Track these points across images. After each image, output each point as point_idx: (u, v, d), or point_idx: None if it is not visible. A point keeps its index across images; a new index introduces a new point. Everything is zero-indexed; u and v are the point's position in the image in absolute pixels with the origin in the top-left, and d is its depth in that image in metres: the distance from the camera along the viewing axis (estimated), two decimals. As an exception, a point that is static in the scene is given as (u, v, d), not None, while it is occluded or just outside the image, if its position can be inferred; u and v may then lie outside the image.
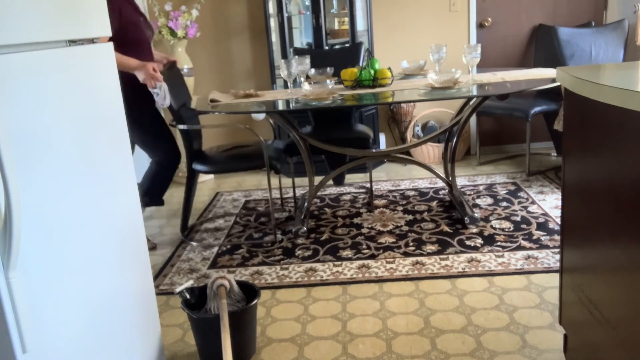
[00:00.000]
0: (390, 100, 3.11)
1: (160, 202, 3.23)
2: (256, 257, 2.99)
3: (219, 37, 4.58)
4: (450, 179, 3.39)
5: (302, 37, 4.59)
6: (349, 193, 3.95)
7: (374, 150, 3.63)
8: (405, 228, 3.22)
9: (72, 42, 1.51)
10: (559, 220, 3.11)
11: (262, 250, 3.07)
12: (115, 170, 1.72)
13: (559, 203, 2.94)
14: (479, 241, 2.96)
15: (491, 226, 3.14)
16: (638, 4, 4.13)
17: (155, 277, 2.82)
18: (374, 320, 2.29)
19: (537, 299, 2.35)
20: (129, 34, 2.94)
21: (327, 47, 4.30)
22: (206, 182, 4.52)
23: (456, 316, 2.27)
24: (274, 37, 4.38)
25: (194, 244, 3.23)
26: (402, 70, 3.60)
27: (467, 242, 2.95)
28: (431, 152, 4.48)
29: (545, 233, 3.00)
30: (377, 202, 3.71)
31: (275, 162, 3.14)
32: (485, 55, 4.44)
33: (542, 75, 3.11)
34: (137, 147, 3.15)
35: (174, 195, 4.23)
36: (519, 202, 3.49)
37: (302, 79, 3.15)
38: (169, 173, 3.19)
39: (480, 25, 4.56)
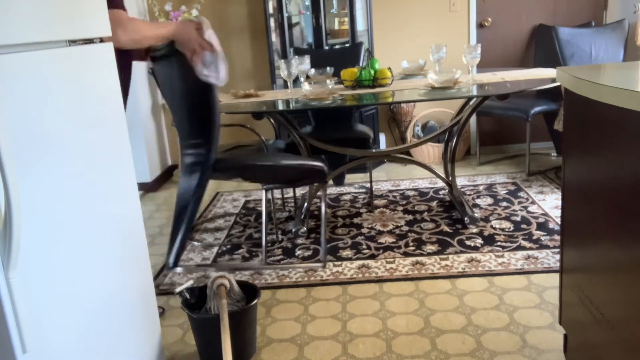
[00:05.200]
0: (390, 100, 3.11)
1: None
2: (256, 257, 2.98)
3: (219, 37, 4.56)
4: (450, 179, 3.39)
5: (302, 37, 4.59)
6: (349, 193, 3.95)
7: (374, 150, 3.63)
8: (405, 228, 3.22)
9: (72, 42, 1.51)
10: (559, 220, 3.11)
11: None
12: (115, 170, 1.72)
13: (559, 203, 2.94)
14: (479, 241, 2.96)
15: (491, 226, 3.14)
16: (638, 4, 4.13)
17: (155, 277, 2.82)
18: (374, 320, 2.29)
19: (537, 299, 2.35)
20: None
21: (327, 47, 4.30)
22: (206, 182, 4.51)
23: (456, 316, 2.27)
24: (274, 37, 4.38)
25: (196, 243, 3.23)
26: (402, 70, 3.60)
27: (467, 242, 2.95)
28: (431, 152, 4.48)
29: (545, 233, 3.00)
30: (377, 202, 3.71)
31: (275, 162, 3.15)
32: (485, 55, 4.43)
33: (542, 75, 3.11)
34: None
35: (173, 195, 4.22)
36: (519, 202, 3.49)
37: (302, 79, 3.15)
38: None
39: (480, 25, 4.56)
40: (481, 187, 3.85)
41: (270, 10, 4.28)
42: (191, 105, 2.50)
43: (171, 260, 2.63)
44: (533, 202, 3.47)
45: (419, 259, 2.81)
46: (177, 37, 2.16)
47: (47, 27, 1.39)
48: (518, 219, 3.23)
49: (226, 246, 3.17)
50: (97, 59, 1.64)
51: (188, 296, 2.15)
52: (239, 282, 2.19)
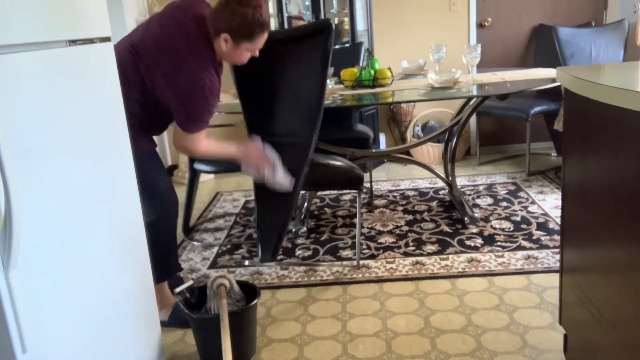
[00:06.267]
0: (390, 100, 3.11)
1: (171, 274, 2.43)
2: (256, 257, 2.98)
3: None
4: (450, 179, 3.39)
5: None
6: (349, 193, 3.95)
7: (374, 150, 3.63)
8: (405, 228, 3.21)
9: (72, 42, 1.51)
10: (559, 220, 3.11)
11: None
12: (115, 170, 1.72)
13: (559, 203, 2.94)
14: (479, 241, 2.96)
15: (491, 226, 3.14)
16: (638, 4, 4.13)
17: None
18: (374, 320, 2.29)
19: (537, 299, 2.35)
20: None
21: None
22: (206, 182, 4.52)
23: (456, 316, 2.27)
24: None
25: (196, 243, 3.23)
26: (402, 70, 3.60)
27: (467, 242, 2.95)
28: (431, 152, 4.48)
29: (545, 233, 3.00)
30: (377, 202, 3.71)
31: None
32: (485, 55, 4.44)
33: (542, 75, 3.11)
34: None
35: (174, 195, 4.22)
36: (519, 202, 3.49)
37: (302, 79, 3.15)
38: (159, 235, 2.24)
39: (480, 25, 4.56)
40: (481, 187, 3.85)
41: (271, 10, 4.28)
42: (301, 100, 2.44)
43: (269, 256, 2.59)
44: (533, 202, 3.47)
45: (419, 259, 2.81)
46: (243, 160, 2.36)
47: (47, 27, 1.39)
48: (518, 219, 3.23)
49: (226, 246, 3.17)
50: (97, 59, 1.64)
51: (188, 296, 2.15)
52: (239, 282, 2.19)
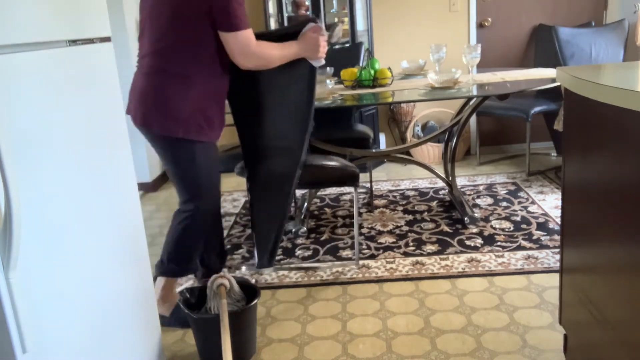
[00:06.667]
0: (390, 100, 3.11)
1: (190, 271, 2.40)
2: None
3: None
4: (450, 179, 3.39)
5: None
6: (349, 193, 3.95)
7: (374, 150, 3.63)
8: (405, 228, 3.22)
9: (72, 42, 1.51)
10: (559, 220, 3.11)
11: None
12: (115, 170, 1.72)
13: (559, 203, 2.94)
14: (479, 241, 2.96)
15: (491, 226, 3.15)
16: (638, 4, 4.13)
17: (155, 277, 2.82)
18: (374, 320, 2.29)
19: (537, 299, 2.35)
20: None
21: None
22: (206, 182, 4.51)
23: (456, 316, 2.27)
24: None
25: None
26: (402, 70, 3.60)
27: (467, 242, 2.95)
28: (431, 152, 4.48)
29: (545, 233, 3.00)
30: (377, 202, 3.71)
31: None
32: (485, 55, 4.43)
33: (542, 75, 3.11)
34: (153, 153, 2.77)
35: (174, 195, 4.22)
36: (519, 202, 3.49)
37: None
38: (193, 229, 2.28)
39: (480, 25, 4.56)
40: (481, 187, 3.85)
41: (270, 10, 4.28)
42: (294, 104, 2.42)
43: (266, 261, 2.57)
44: (533, 202, 3.47)
45: (419, 259, 2.81)
46: (305, 54, 2.30)
47: (47, 27, 1.39)
48: (518, 219, 3.23)
49: (226, 246, 3.17)
50: (97, 59, 1.64)
51: (188, 296, 2.15)
52: (239, 282, 2.19)
